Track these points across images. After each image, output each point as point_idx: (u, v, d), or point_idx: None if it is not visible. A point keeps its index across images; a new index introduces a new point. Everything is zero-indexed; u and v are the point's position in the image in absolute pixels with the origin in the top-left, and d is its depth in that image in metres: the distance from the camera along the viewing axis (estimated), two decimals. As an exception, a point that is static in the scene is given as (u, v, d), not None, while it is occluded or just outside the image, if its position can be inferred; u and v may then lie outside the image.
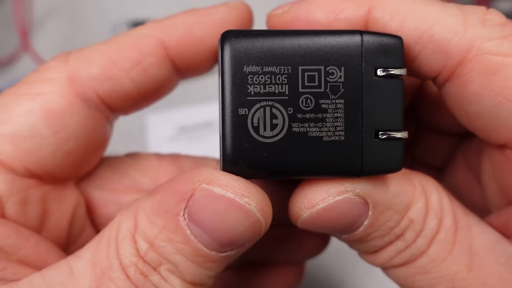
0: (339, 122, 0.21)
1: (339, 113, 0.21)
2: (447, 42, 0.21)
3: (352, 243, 0.24)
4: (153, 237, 0.21)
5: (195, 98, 0.52)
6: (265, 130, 0.20)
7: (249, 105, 0.20)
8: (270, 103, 0.20)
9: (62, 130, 0.24)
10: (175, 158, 0.29)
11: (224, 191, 0.20)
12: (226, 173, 0.21)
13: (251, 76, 0.20)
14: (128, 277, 0.21)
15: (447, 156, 0.30)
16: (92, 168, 0.27)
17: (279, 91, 0.20)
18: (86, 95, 0.24)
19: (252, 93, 0.20)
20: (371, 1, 0.22)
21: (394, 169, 0.21)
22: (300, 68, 0.20)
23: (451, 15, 0.21)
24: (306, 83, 0.20)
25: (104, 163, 0.28)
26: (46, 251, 0.24)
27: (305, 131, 0.21)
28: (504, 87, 0.21)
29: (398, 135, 0.21)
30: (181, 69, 0.26)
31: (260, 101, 0.20)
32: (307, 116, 0.21)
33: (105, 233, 0.22)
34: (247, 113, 0.20)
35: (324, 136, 0.21)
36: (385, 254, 0.23)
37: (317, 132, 0.21)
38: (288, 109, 0.20)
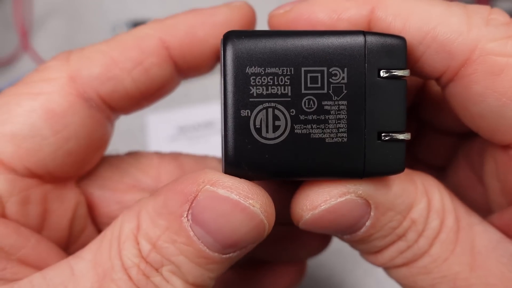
0: (342, 123, 0.20)
1: (342, 114, 0.20)
2: (451, 42, 0.21)
3: (354, 244, 0.24)
4: (155, 238, 0.21)
5: (195, 98, 0.52)
6: (267, 131, 0.20)
7: (252, 106, 0.20)
8: (273, 104, 0.20)
9: (62, 130, 0.23)
10: (176, 156, 0.29)
11: (228, 192, 0.20)
12: (230, 175, 0.21)
13: (254, 77, 0.20)
14: (130, 278, 0.21)
15: (449, 155, 0.30)
16: (92, 167, 0.27)
17: (281, 93, 0.20)
18: (87, 95, 0.24)
19: (255, 94, 0.20)
20: (374, 1, 0.22)
21: (397, 170, 0.21)
22: (302, 69, 0.20)
23: (455, 14, 0.21)
24: (308, 84, 0.20)
25: (105, 162, 0.28)
26: (46, 251, 0.24)
27: (307, 132, 0.20)
28: (508, 87, 0.21)
29: (401, 136, 0.21)
30: (183, 69, 0.25)
31: (262, 102, 0.20)
32: (310, 117, 0.20)
33: (107, 234, 0.22)
34: (249, 114, 0.20)
35: (327, 137, 0.21)
36: (387, 255, 0.23)
37: (320, 133, 0.20)
38: (291, 110, 0.20)
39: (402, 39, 0.21)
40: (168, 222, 0.21)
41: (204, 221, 0.20)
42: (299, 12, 0.23)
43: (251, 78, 0.20)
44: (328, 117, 0.20)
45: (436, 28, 0.21)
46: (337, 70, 0.20)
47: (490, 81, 0.21)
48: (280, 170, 0.21)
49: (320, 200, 0.21)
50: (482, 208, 0.25)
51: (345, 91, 0.20)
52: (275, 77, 0.20)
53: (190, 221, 0.20)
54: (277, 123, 0.20)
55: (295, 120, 0.20)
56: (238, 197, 0.20)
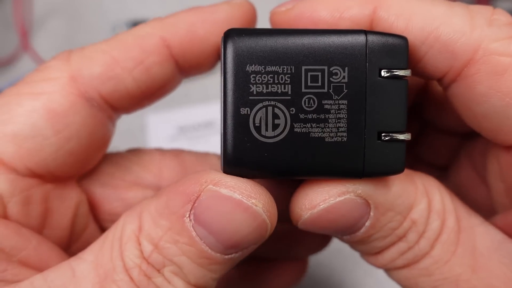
0: (342, 123, 0.20)
1: (342, 113, 0.20)
2: (454, 42, 0.21)
3: (354, 244, 0.24)
4: (157, 239, 0.21)
5: (195, 98, 0.52)
6: (267, 130, 0.20)
7: (251, 104, 0.20)
8: (273, 103, 0.20)
9: (64, 129, 0.23)
10: (177, 153, 0.29)
11: (231, 192, 0.20)
12: (233, 176, 0.21)
13: (254, 75, 0.20)
14: (131, 279, 0.21)
15: (451, 155, 0.30)
16: (94, 166, 0.27)
17: (281, 91, 0.20)
18: (88, 95, 0.24)
19: (255, 92, 0.20)
20: (376, 0, 0.22)
21: (396, 171, 0.21)
22: (303, 68, 0.20)
23: (458, 15, 0.21)
24: (309, 83, 0.20)
25: (106, 159, 0.28)
26: (47, 252, 0.24)
27: (307, 131, 0.20)
28: None
29: (401, 137, 0.21)
30: (184, 67, 0.25)
31: (262, 100, 0.20)
32: (310, 116, 0.20)
33: (108, 235, 0.22)
34: (249, 112, 0.20)
35: (327, 137, 0.20)
36: (388, 256, 0.23)
37: (320, 132, 0.20)
38: (291, 109, 0.20)
39: (404, 38, 0.21)
40: (170, 222, 0.21)
41: (207, 221, 0.20)
42: (301, 10, 0.23)
43: (251, 76, 0.20)
44: (328, 116, 0.20)
45: (439, 28, 0.21)
46: (337, 69, 0.20)
47: (493, 81, 0.21)
48: (279, 169, 0.21)
49: (319, 199, 0.21)
50: (485, 209, 0.25)
51: (346, 91, 0.20)
52: (276, 76, 0.20)
53: (193, 221, 0.20)
54: (276, 121, 0.20)
55: (294, 118, 0.20)
56: (240, 196, 0.20)
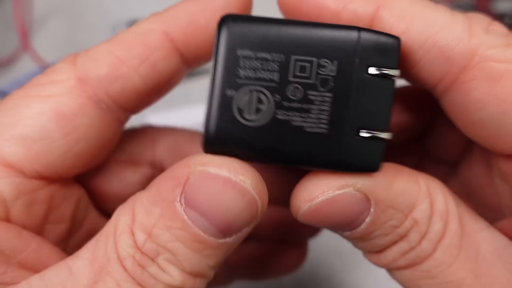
0: (324, 115, 0.21)
1: (326, 106, 0.21)
2: (451, 49, 0.21)
3: (355, 241, 0.23)
4: (150, 227, 0.21)
5: (195, 98, 0.52)
6: (249, 113, 0.21)
7: (237, 87, 0.21)
8: (259, 88, 0.21)
9: (72, 132, 0.23)
10: (171, 131, 0.30)
11: (219, 170, 0.20)
12: (221, 156, 0.21)
13: (243, 59, 0.21)
14: (125, 269, 0.20)
15: (462, 150, 0.29)
16: (98, 165, 0.27)
17: (269, 78, 0.21)
18: (97, 96, 0.24)
19: (242, 76, 0.21)
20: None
21: (371, 168, 0.21)
22: (293, 57, 0.21)
23: (458, 22, 0.21)
24: (297, 73, 0.21)
25: None
26: (47, 254, 0.24)
27: (288, 119, 0.21)
28: (508, 93, 0.21)
29: (382, 135, 0.21)
30: (189, 59, 0.25)
31: (248, 84, 0.21)
32: (293, 105, 0.21)
33: (103, 231, 0.22)
34: (234, 95, 0.21)
35: (307, 126, 0.21)
36: (389, 255, 0.23)
37: (300, 122, 0.21)
38: (276, 96, 0.21)
39: (396, 38, 0.21)
40: (161, 209, 0.21)
41: (197, 203, 0.20)
42: None
43: (241, 60, 0.21)
44: (311, 107, 0.21)
45: (438, 33, 0.21)
46: (326, 62, 0.21)
47: (489, 87, 0.21)
48: (259, 153, 0.21)
49: (317, 192, 0.21)
50: (495, 209, 0.25)
51: (332, 84, 0.21)
52: (265, 62, 0.21)
53: (184, 205, 0.20)
54: (260, 106, 0.21)
55: (278, 106, 0.21)
56: (228, 173, 0.20)
